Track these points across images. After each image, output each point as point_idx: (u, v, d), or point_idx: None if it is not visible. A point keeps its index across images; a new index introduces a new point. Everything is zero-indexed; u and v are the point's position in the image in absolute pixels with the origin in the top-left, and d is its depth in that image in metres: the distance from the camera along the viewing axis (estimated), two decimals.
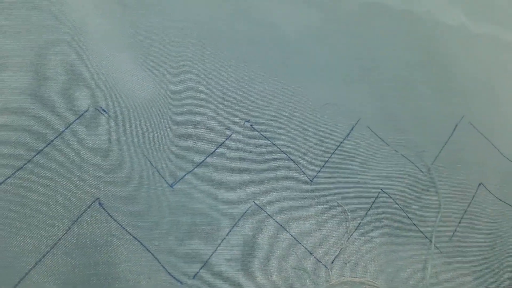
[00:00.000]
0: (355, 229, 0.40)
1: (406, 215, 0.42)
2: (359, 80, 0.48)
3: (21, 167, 0.32)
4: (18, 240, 0.30)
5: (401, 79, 0.50)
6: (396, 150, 0.45)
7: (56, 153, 0.33)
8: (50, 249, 0.31)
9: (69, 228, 0.31)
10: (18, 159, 0.32)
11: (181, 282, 0.33)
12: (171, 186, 0.36)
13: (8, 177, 0.32)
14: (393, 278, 0.40)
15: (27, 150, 0.33)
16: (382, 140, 0.45)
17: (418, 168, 0.45)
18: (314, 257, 0.38)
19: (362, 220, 0.40)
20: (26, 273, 0.30)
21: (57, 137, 0.33)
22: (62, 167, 0.33)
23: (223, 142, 0.39)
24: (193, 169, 0.37)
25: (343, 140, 0.43)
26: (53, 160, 0.33)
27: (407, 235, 0.42)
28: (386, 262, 0.40)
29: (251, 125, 0.40)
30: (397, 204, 0.42)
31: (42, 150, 0.33)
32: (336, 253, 0.39)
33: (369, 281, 0.38)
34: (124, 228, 0.32)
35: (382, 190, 0.42)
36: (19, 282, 0.29)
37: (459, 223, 0.44)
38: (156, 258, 0.33)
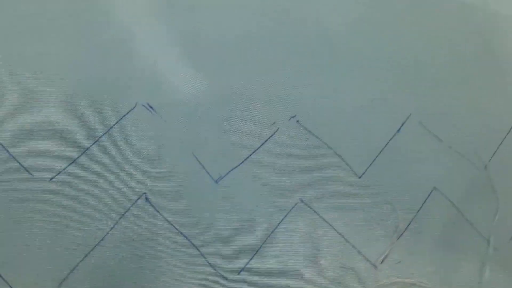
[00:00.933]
0: (406, 228, 0.38)
1: (462, 214, 0.40)
2: (410, 73, 0.46)
3: (72, 162, 0.33)
4: (69, 233, 0.31)
5: (455, 72, 0.47)
6: (450, 146, 0.43)
7: (105, 148, 0.34)
8: (99, 242, 0.31)
9: (117, 222, 0.32)
10: (69, 155, 0.33)
11: (226, 278, 0.33)
12: (216, 181, 0.36)
13: (60, 172, 0.33)
14: (447, 279, 0.38)
15: (78, 146, 0.34)
16: (435, 136, 0.43)
17: (474, 165, 0.42)
18: (363, 256, 0.37)
19: (413, 218, 0.39)
20: (76, 266, 0.31)
21: (105, 133, 0.34)
22: (110, 162, 0.33)
23: (269, 138, 0.39)
24: (238, 165, 0.37)
25: (393, 136, 0.42)
26: (102, 156, 0.34)
27: (462, 235, 0.39)
28: (439, 263, 0.38)
29: (297, 121, 0.40)
30: (452, 203, 0.40)
31: (91, 146, 0.34)
32: (386, 253, 0.37)
33: (421, 282, 0.37)
34: (170, 223, 0.32)
35: (435, 187, 0.40)
36: (68, 274, 0.30)
37: None
38: (201, 253, 0.33)
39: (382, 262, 0.37)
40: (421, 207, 0.39)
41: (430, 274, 0.38)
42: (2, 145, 0.33)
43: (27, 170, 0.32)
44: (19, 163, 0.32)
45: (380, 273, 0.37)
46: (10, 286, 0.30)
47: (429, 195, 0.40)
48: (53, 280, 0.30)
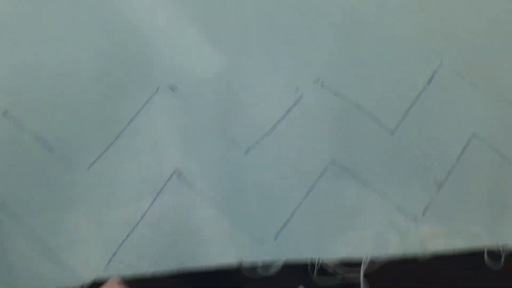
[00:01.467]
0: (446, 179, 0.37)
1: (505, 158, 0.38)
2: (439, 18, 0.44)
3: (106, 149, 0.35)
4: (111, 215, 0.34)
5: (484, 13, 0.45)
6: (487, 91, 0.41)
7: (135, 133, 0.36)
8: (140, 220, 0.33)
9: (154, 199, 0.34)
10: (103, 143, 0.36)
11: (262, 244, 0.34)
12: (245, 153, 0.37)
13: (96, 160, 0.35)
14: (495, 228, 0.37)
15: (110, 134, 0.36)
16: (470, 82, 0.41)
17: None
18: (402, 212, 0.36)
19: (452, 168, 0.38)
20: (121, 243, 0.33)
21: (133, 118, 0.36)
22: (142, 145, 0.35)
23: (294, 105, 0.39)
24: (265, 135, 0.38)
25: (425, 87, 0.41)
26: (133, 140, 0.36)
27: (507, 181, 0.38)
28: (485, 212, 0.37)
29: (322, 84, 0.40)
30: (493, 148, 0.38)
31: (121, 132, 0.36)
32: (426, 206, 0.37)
33: (467, 232, 0.36)
34: (203, 195, 0.34)
35: (474, 134, 0.39)
36: (116, 250, 0.33)
37: None
38: (237, 222, 0.34)
39: (423, 215, 0.36)
40: (460, 155, 0.38)
41: (475, 224, 0.37)
42: (43, 140, 0.35)
43: (66, 162, 0.35)
44: (59, 156, 0.35)
45: (422, 227, 0.36)
46: (67, 265, 0.33)
47: (468, 142, 0.39)
48: (102, 257, 0.33)
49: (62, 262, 0.32)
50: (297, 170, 0.37)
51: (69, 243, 0.33)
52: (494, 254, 0.36)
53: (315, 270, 0.34)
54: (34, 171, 0.35)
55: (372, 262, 0.35)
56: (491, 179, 0.38)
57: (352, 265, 0.35)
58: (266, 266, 0.33)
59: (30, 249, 0.33)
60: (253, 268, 0.33)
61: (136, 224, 0.33)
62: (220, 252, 0.33)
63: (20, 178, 0.35)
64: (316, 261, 0.34)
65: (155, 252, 0.33)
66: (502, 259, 0.36)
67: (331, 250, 0.35)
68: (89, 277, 0.32)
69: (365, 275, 0.34)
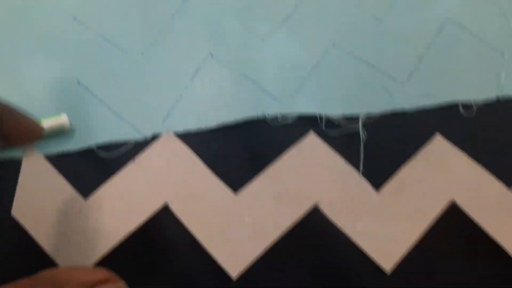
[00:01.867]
0: (425, 53, 0.46)
1: (475, 36, 0.46)
2: None
3: (154, 41, 0.45)
4: (162, 87, 0.43)
5: None
6: None
7: (176, 27, 0.46)
8: (184, 90, 0.43)
9: (194, 74, 0.43)
10: (152, 36, 0.45)
11: (281, 101, 0.43)
12: (262, 39, 0.46)
13: (147, 48, 0.45)
14: (467, 86, 0.45)
15: (157, 29, 0.46)
16: None
17: None
18: (391, 78, 0.45)
19: (429, 45, 0.46)
20: (171, 108, 0.42)
21: (173, 15, 0.46)
22: (181, 35, 0.45)
23: (300, 3, 0.48)
24: (278, 25, 0.47)
25: None
26: (175, 33, 0.46)
27: (478, 53, 0.46)
28: (458, 75, 0.45)
29: None
30: (464, 29, 0.47)
31: (165, 27, 0.45)
32: (410, 73, 0.45)
33: (443, 91, 0.44)
34: (232, 70, 0.43)
35: (446, 20, 0.47)
36: (167, 115, 0.42)
37: None
38: (261, 86, 0.43)
39: (407, 80, 0.45)
40: (436, 34, 0.47)
41: (451, 84, 0.45)
42: (104, 36, 0.45)
43: (124, 50, 0.44)
44: (119, 47, 0.45)
45: (407, 88, 0.44)
46: (133, 124, 0.42)
47: (442, 25, 0.47)
48: (158, 117, 0.42)
49: (128, 122, 0.42)
50: (304, 51, 0.46)
51: (133, 108, 0.42)
52: (467, 107, 0.44)
53: (323, 122, 0.43)
54: (99, 58, 0.44)
55: (369, 116, 0.43)
56: (462, 52, 0.46)
57: (353, 118, 0.43)
58: (284, 117, 0.42)
59: (103, 114, 0.42)
60: (274, 119, 0.42)
61: (182, 92, 0.43)
62: (248, 108, 0.42)
63: (89, 62, 0.44)
64: (324, 115, 0.43)
65: (198, 113, 0.42)
66: (474, 109, 0.44)
67: (336, 107, 0.43)
68: (150, 132, 0.42)
69: (363, 126, 0.43)
